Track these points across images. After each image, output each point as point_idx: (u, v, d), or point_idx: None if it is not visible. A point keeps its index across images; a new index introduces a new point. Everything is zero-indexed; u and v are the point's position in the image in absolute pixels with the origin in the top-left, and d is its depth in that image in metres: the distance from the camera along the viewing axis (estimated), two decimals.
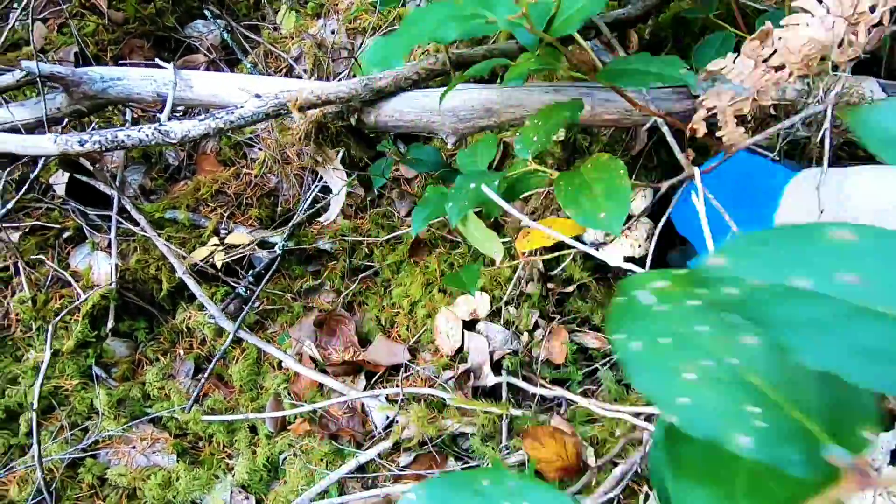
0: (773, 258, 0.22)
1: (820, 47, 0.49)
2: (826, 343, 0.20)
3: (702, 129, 0.52)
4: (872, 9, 0.44)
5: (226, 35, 1.28)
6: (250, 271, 1.11)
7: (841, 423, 0.23)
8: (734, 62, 0.48)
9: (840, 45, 0.44)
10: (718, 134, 0.51)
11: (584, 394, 0.82)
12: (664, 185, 0.57)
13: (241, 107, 0.65)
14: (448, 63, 0.71)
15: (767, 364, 0.24)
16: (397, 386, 0.99)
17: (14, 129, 0.80)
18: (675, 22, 0.94)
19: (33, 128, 0.91)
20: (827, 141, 0.50)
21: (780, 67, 0.48)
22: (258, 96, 0.65)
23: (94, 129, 1.07)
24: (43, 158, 0.89)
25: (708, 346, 0.24)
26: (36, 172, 0.89)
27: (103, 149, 0.65)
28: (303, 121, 0.71)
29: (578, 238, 0.81)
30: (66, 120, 0.88)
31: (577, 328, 0.88)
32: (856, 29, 0.45)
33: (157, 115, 1.21)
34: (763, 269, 0.21)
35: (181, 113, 1.07)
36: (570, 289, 0.97)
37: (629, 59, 0.53)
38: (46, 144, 0.64)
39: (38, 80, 0.75)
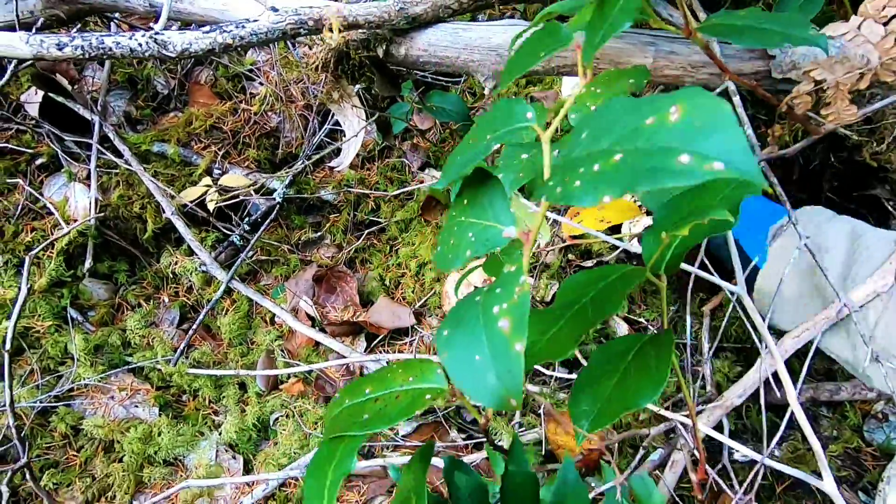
0: None
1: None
2: None
3: (805, 105, 0.45)
4: None
5: None
6: (245, 218, 1.03)
7: None
8: (859, 27, 0.41)
9: None
10: (824, 112, 0.44)
11: None
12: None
13: (255, 20, 0.55)
14: None
15: None
16: (400, 350, 0.93)
17: None
18: None
19: (1, 29, 0.79)
20: None
21: None
22: (275, 10, 0.55)
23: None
24: (12, 64, 0.78)
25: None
26: (3, 81, 0.77)
27: (87, 56, 0.54)
28: (320, 48, 0.61)
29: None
30: (39, 26, 0.76)
31: None
32: None
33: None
34: None
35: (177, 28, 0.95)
36: (590, 263, 0.91)
37: (738, 14, 0.45)
38: (18, 45, 0.53)
39: None
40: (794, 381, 0.68)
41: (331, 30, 0.53)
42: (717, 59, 0.48)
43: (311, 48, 0.61)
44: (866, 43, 0.41)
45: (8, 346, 0.68)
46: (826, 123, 0.48)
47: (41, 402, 0.83)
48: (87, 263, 0.95)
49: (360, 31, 0.60)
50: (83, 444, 0.85)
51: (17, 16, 0.70)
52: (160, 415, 0.88)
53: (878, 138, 0.68)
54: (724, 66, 0.49)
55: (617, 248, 0.84)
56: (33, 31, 0.69)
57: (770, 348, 0.35)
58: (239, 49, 0.57)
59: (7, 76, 0.76)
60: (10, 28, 0.79)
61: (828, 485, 0.31)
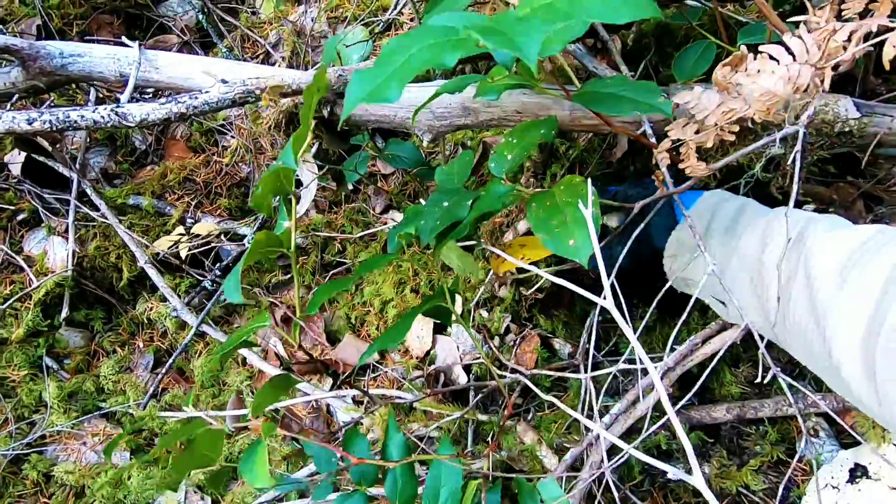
0: None
1: (779, 99, 0.49)
2: None
3: (666, 160, 0.52)
4: (845, 48, 0.43)
5: (201, 17, 1.23)
6: (217, 264, 1.08)
7: None
8: (699, 97, 0.48)
9: (805, 89, 0.44)
10: (681, 166, 0.51)
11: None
12: (637, 206, 0.56)
13: (207, 92, 0.62)
14: None
15: None
16: (364, 387, 0.97)
17: None
18: (658, 28, 0.93)
19: None
20: (798, 164, 0.50)
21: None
22: (224, 81, 0.62)
23: (50, 105, 1.01)
24: None
25: None
26: None
27: (54, 129, 0.61)
28: (272, 110, 0.68)
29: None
30: (18, 96, 0.83)
31: (549, 334, 0.87)
32: (822, 74, 0.45)
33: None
34: None
35: (149, 95, 1.02)
36: (542, 295, 0.96)
37: (606, 82, 0.52)
38: None
39: None
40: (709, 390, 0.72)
41: (272, 99, 0.60)
42: (602, 116, 0.55)
43: (263, 111, 0.67)
44: (705, 110, 0.48)
45: None
46: (698, 174, 0.55)
47: (13, 451, 0.86)
48: (64, 312, 0.99)
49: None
50: (54, 491, 0.87)
51: None
52: (131, 458, 0.91)
53: (782, 174, 0.75)
54: (610, 120, 0.55)
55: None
56: (9, 103, 0.75)
57: (648, 368, 0.39)
58: (192, 117, 0.63)
59: None
60: (3, 98, 0.86)
61: (696, 479, 0.35)
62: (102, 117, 0.61)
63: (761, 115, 0.46)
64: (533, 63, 0.34)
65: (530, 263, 0.69)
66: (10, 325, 0.95)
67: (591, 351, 0.63)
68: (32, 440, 0.88)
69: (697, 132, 0.50)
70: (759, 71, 0.45)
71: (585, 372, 0.73)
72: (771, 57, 0.46)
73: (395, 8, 1.08)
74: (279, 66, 1.14)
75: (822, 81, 0.45)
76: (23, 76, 0.83)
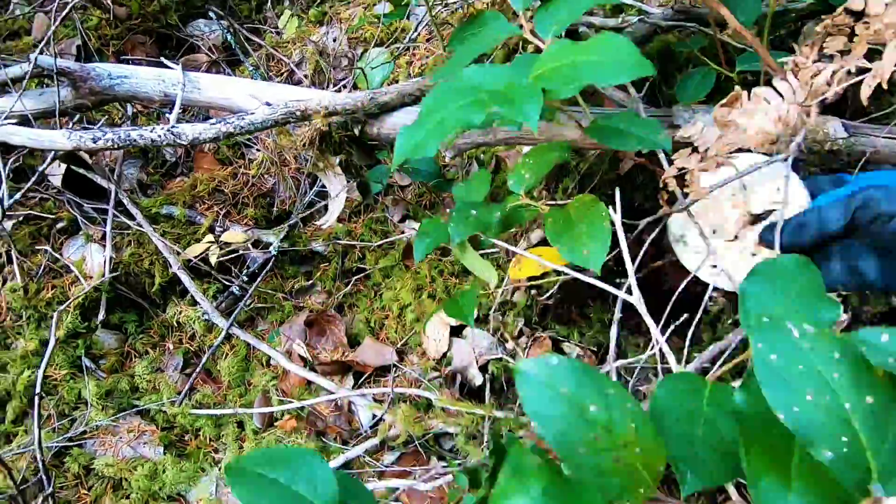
0: None
1: (771, 135, 0.55)
2: None
3: (672, 184, 0.58)
4: (829, 84, 0.49)
5: (229, 36, 1.30)
6: (244, 270, 1.14)
7: (892, 471, 0.33)
8: (701, 131, 0.54)
9: (793, 125, 0.50)
10: (686, 190, 0.57)
11: None
12: (642, 223, 0.62)
13: (252, 113, 0.68)
14: None
15: (870, 419, 0.34)
16: (385, 386, 1.02)
17: (24, 121, 0.81)
18: (662, 52, 1.00)
19: (37, 118, 0.92)
20: (786, 187, 0.55)
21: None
22: (269, 104, 0.68)
23: (101, 125, 1.08)
24: (52, 153, 0.91)
25: (833, 388, 0.35)
26: (45, 166, 0.90)
27: (116, 146, 0.67)
28: (308, 129, 0.74)
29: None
30: (70, 112, 0.89)
31: (561, 337, 0.93)
32: (808, 110, 0.51)
33: (158, 111, 1.23)
34: None
35: (183, 112, 1.09)
36: (551, 301, 1.02)
37: (613, 118, 0.59)
38: (60, 140, 0.66)
39: (49, 74, 0.77)
40: None
41: (306, 118, 0.66)
42: (601, 146, 0.61)
43: (295, 130, 0.74)
44: (706, 143, 0.54)
45: (38, 389, 0.78)
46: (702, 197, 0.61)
47: (56, 444, 0.91)
48: (101, 316, 1.05)
49: (339, 116, 0.73)
50: (94, 483, 0.93)
51: (57, 106, 0.83)
52: (164, 453, 0.96)
53: None
54: (623, 152, 0.62)
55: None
56: (69, 122, 0.82)
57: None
58: (239, 135, 0.70)
59: (48, 162, 0.89)
60: (43, 113, 0.93)
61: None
62: (159, 136, 0.67)
63: (757, 147, 0.52)
64: (534, 126, 0.41)
65: (542, 273, 0.75)
66: (56, 327, 1.01)
67: (613, 348, 0.68)
68: (74, 435, 0.94)
69: (700, 160, 0.56)
70: (752, 110, 0.51)
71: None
72: (765, 97, 0.52)
73: (414, 30, 1.15)
74: (303, 84, 1.21)
75: (809, 115, 0.51)
76: (72, 95, 0.90)
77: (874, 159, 0.75)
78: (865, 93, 0.48)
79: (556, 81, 0.47)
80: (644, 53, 1.03)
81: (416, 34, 1.16)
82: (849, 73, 0.52)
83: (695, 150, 0.56)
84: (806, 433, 0.34)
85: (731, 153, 0.54)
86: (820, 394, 0.34)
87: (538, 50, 0.54)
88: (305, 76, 1.24)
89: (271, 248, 1.12)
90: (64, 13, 1.00)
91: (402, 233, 1.15)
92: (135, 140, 0.67)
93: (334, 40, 1.26)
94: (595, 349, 0.91)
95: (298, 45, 1.30)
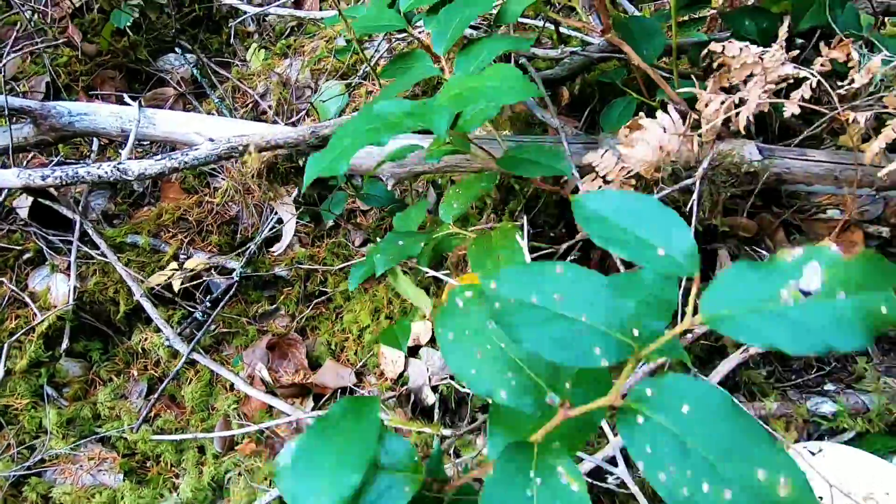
0: (522, 284, 0.37)
1: (651, 163, 0.60)
2: (537, 336, 0.35)
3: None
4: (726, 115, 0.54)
5: (195, 70, 1.35)
6: (208, 296, 1.16)
7: (556, 380, 0.39)
8: (602, 157, 0.59)
9: (676, 153, 0.55)
10: None
11: None
12: (563, 247, 0.66)
13: (196, 149, 0.71)
14: None
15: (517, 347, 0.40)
16: None
17: None
18: (600, 81, 1.05)
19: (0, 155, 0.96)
20: (695, 206, 0.60)
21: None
22: (211, 140, 0.72)
23: (59, 158, 1.11)
24: (4, 191, 0.94)
25: (491, 336, 0.40)
26: (0, 200, 0.93)
27: (64, 183, 0.70)
28: (254, 161, 0.78)
29: None
30: (31, 147, 0.93)
31: None
32: (690, 141, 0.55)
33: (123, 145, 1.27)
34: (515, 291, 0.36)
35: (146, 144, 1.12)
36: None
37: (523, 149, 0.64)
38: (10, 178, 0.69)
39: (6, 113, 0.80)
40: None
41: (251, 153, 0.70)
42: (522, 178, 0.66)
43: (245, 163, 0.77)
44: (606, 169, 0.59)
45: None
46: None
47: (14, 474, 0.92)
48: (65, 344, 1.07)
49: (283, 149, 0.77)
50: None
51: (11, 143, 0.86)
52: (124, 480, 0.97)
53: (703, 209, 0.85)
54: (534, 179, 0.67)
55: None
56: (25, 160, 0.85)
57: None
58: (183, 170, 0.73)
59: (3, 196, 0.92)
60: (3, 150, 0.96)
61: (621, 470, 0.43)
62: (106, 172, 0.71)
63: (645, 174, 0.56)
64: (443, 136, 0.45)
65: None
66: (15, 357, 1.03)
67: None
68: (32, 464, 0.95)
69: (602, 185, 0.60)
70: (636, 139, 0.55)
71: None
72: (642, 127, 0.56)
73: (371, 61, 1.20)
74: (268, 114, 1.25)
75: (700, 144, 0.56)
76: (34, 132, 0.94)
77: (788, 179, 0.80)
78: (741, 122, 0.53)
79: (460, 103, 0.51)
80: (584, 82, 1.08)
81: (373, 65, 1.21)
82: (735, 104, 0.56)
83: (597, 175, 0.60)
84: (483, 387, 0.39)
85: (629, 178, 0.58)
86: (485, 347, 0.39)
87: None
88: (269, 107, 1.29)
89: (234, 274, 1.14)
90: (25, 52, 1.04)
91: (363, 256, 1.18)
92: (82, 177, 0.70)
93: (297, 72, 1.31)
94: None
95: (263, 77, 1.35)
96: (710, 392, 0.32)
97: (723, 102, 0.55)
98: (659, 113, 0.59)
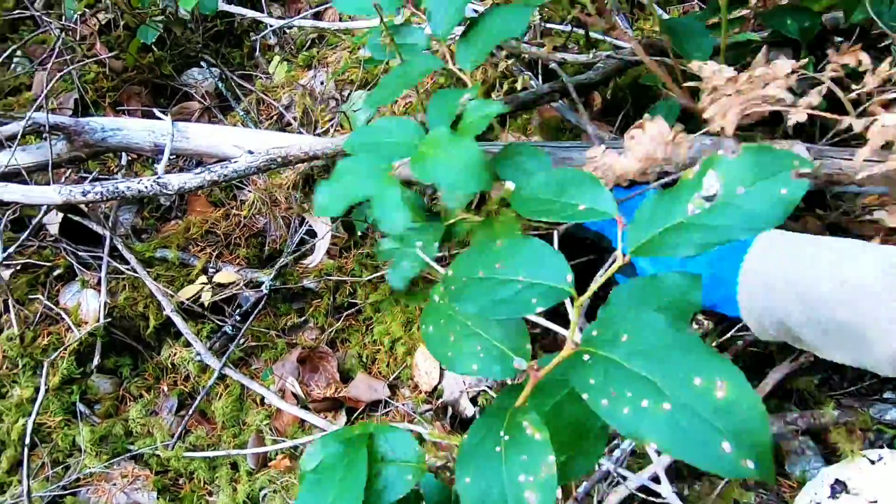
0: (471, 263, 0.44)
1: (656, 160, 0.60)
2: (484, 302, 0.40)
3: None
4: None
5: (220, 84, 1.35)
6: (237, 310, 1.15)
7: (519, 343, 0.43)
8: (602, 155, 0.58)
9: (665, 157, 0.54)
10: None
11: None
12: (562, 227, 0.67)
13: (235, 161, 0.71)
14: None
15: (482, 322, 0.44)
16: (376, 421, 1.02)
17: (16, 174, 0.84)
18: (633, 85, 1.04)
19: (33, 171, 0.96)
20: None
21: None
22: (251, 152, 0.71)
23: (95, 176, 1.12)
24: (45, 206, 0.94)
25: (460, 319, 0.45)
26: (38, 219, 0.93)
27: (104, 199, 0.70)
28: (291, 172, 0.77)
29: None
30: (65, 163, 0.93)
31: None
32: (675, 149, 0.55)
33: (152, 159, 1.27)
34: (465, 270, 0.43)
35: (175, 157, 1.12)
36: (537, 330, 1.02)
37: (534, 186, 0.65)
38: (51, 195, 0.68)
39: (44, 130, 0.81)
40: None
41: (288, 164, 0.69)
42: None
43: (283, 173, 0.76)
44: (604, 166, 0.58)
45: (27, 440, 0.78)
46: None
47: (50, 493, 0.91)
48: (96, 361, 1.06)
49: (320, 160, 0.76)
50: None
51: (51, 160, 0.86)
52: (158, 498, 0.96)
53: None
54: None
55: None
56: (66, 172, 0.85)
57: None
58: (223, 182, 0.72)
59: (42, 214, 0.92)
60: (39, 167, 0.96)
61: (664, 489, 0.41)
62: (146, 187, 0.70)
63: (636, 175, 0.55)
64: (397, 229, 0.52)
65: None
66: (47, 374, 1.03)
67: None
68: (67, 483, 0.94)
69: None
70: (640, 136, 0.54)
71: None
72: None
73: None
74: (293, 126, 1.25)
75: (679, 151, 0.55)
76: (67, 148, 0.94)
77: (839, 180, 0.77)
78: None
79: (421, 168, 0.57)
80: (616, 87, 1.07)
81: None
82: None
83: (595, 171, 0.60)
84: (459, 366, 0.44)
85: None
86: (455, 329, 0.44)
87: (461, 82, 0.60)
88: (294, 118, 1.28)
89: (263, 287, 1.13)
90: (60, 73, 1.05)
91: (392, 267, 1.17)
92: (122, 192, 0.69)
93: (321, 83, 1.31)
94: None
95: (287, 89, 1.35)
96: (648, 319, 0.34)
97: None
98: (649, 121, 0.59)
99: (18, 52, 1.27)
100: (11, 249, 0.87)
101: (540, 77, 1.04)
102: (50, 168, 0.87)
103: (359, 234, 1.14)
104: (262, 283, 1.14)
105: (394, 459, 0.44)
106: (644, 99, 1.00)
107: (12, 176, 0.93)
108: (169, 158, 0.76)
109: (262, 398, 1.07)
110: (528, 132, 1.06)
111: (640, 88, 1.02)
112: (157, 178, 0.70)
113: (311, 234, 1.21)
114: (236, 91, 1.37)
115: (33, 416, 0.82)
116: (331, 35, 1.47)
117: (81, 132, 0.88)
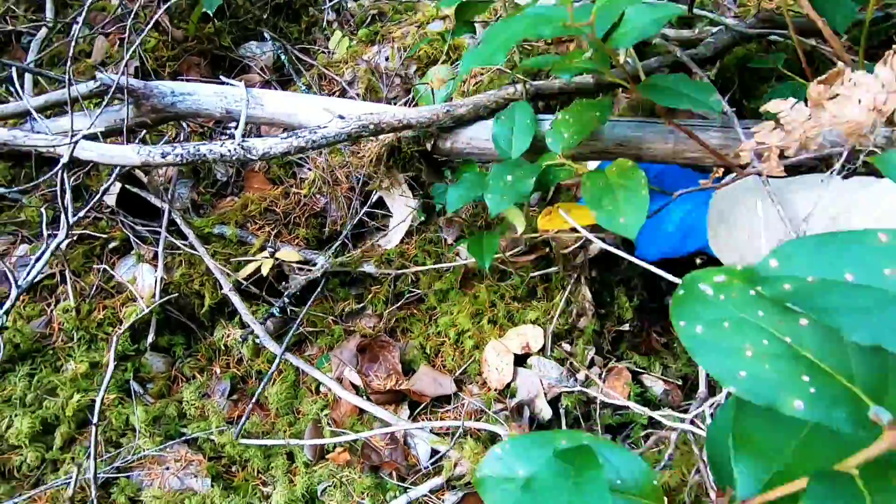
0: (823, 258, 0.29)
1: (861, 124, 0.50)
2: (872, 323, 0.26)
3: (747, 158, 0.53)
4: None
5: (283, 57, 1.30)
6: (292, 292, 1.10)
7: (883, 387, 0.28)
8: (790, 109, 0.50)
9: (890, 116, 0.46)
10: (760, 166, 0.53)
11: (646, 438, 0.78)
12: (677, 194, 0.59)
13: (325, 127, 0.64)
14: (526, 94, 0.71)
15: (816, 341, 0.30)
16: (442, 418, 0.96)
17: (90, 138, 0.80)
18: (740, 65, 0.94)
19: (94, 140, 0.91)
20: None
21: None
22: (342, 117, 0.65)
23: (166, 140, 1.07)
24: (118, 168, 0.89)
25: (764, 328, 0.31)
26: (109, 183, 0.89)
27: (184, 161, 0.64)
28: (376, 144, 0.70)
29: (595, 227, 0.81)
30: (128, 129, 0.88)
31: (640, 369, 0.85)
32: None
33: (209, 130, 1.22)
34: (814, 267, 0.28)
35: (247, 130, 1.07)
36: (625, 327, 0.94)
37: (667, 77, 0.56)
38: (130, 154, 0.63)
39: (115, 91, 0.76)
40: None
41: (379, 133, 0.62)
42: (695, 138, 0.57)
43: (364, 145, 0.70)
44: (792, 122, 0.50)
45: (95, 419, 0.74)
46: (773, 173, 0.57)
47: (104, 475, 0.87)
48: (150, 338, 1.02)
49: (411, 130, 0.69)
50: None
51: (126, 123, 0.81)
52: (212, 485, 0.91)
53: None
54: (705, 143, 0.58)
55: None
56: (135, 138, 0.80)
57: None
58: (310, 150, 0.66)
59: (113, 177, 0.87)
60: (105, 132, 0.92)
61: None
62: (229, 150, 0.64)
63: (844, 137, 0.47)
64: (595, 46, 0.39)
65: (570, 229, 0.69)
66: (102, 349, 0.99)
67: (703, 384, 0.62)
68: (121, 464, 0.90)
69: (783, 138, 0.51)
70: (847, 97, 0.46)
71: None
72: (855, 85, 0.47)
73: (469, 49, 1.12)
74: (357, 101, 1.19)
75: None
76: (134, 113, 0.89)
77: None
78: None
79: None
80: (722, 66, 0.97)
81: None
82: None
83: (778, 126, 0.51)
84: (762, 392, 0.29)
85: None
86: (757, 343, 0.30)
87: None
88: (357, 94, 1.22)
89: (321, 269, 1.08)
90: (115, 37, 1.00)
91: (458, 254, 1.10)
92: (204, 155, 0.64)
93: (386, 59, 1.25)
94: (680, 383, 0.83)
95: (350, 64, 1.29)
96: None
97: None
98: (878, 65, 0.49)
99: (79, 19, 1.23)
100: (81, 213, 0.82)
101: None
102: (125, 130, 0.82)
103: (436, 214, 1.07)
104: (321, 265, 1.09)
105: (625, 490, 0.33)
106: (755, 80, 0.90)
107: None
108: (244, 125, 0.70)
109: (318, 386, 1.02)
110: (616, 112, 0.97)
111: (749, 69, 0.92)
112: (241, 141, 0.64)
113: (372, 216, 1.15)
114: (297, 64, 1.32)
115: (101, 393, 0.78)
116: (392, 11, 1.40)
117: (150, 96, 0.83)
